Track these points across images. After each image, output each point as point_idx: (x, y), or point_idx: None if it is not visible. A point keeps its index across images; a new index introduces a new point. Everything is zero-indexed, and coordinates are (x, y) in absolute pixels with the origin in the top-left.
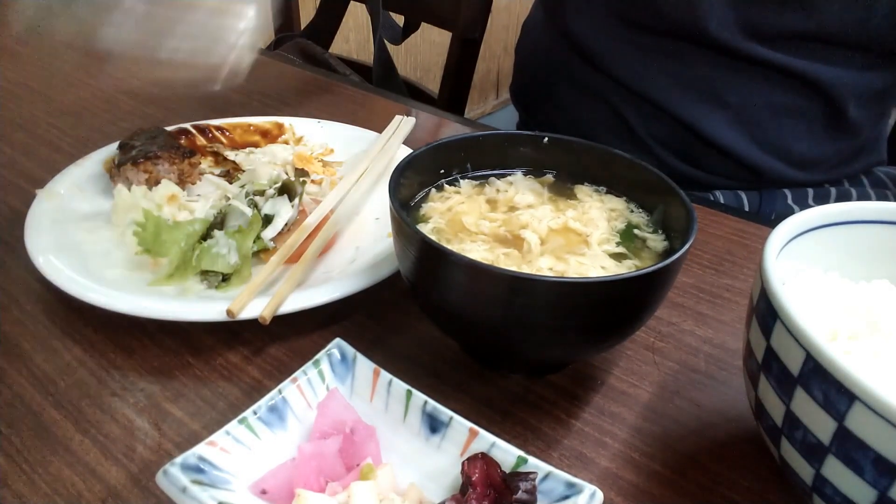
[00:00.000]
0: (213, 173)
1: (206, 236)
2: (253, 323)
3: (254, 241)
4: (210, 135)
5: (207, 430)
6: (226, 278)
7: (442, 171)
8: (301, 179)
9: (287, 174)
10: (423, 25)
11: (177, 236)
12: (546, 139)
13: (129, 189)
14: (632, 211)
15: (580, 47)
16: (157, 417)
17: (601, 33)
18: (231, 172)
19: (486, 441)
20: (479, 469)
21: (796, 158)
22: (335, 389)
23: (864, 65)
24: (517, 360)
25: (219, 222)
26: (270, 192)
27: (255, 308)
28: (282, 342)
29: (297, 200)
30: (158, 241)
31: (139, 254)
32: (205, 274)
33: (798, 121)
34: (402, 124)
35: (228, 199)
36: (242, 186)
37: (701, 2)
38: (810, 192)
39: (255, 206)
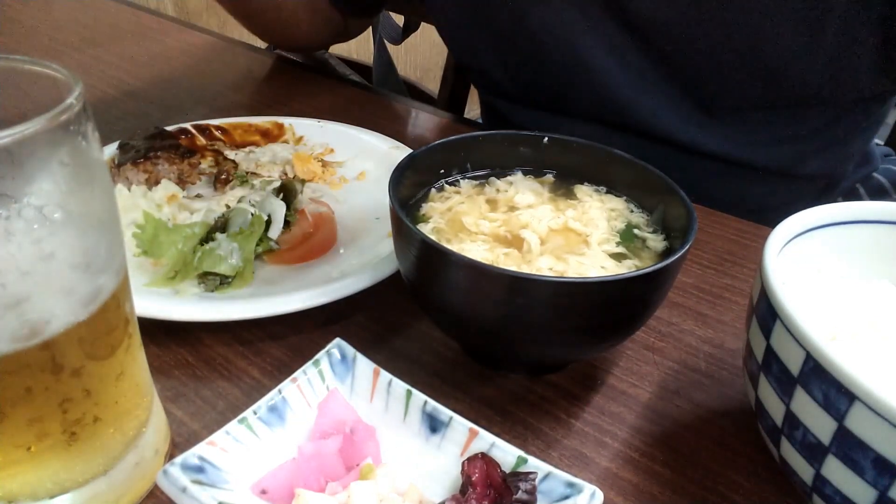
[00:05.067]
0: (211, 173)
1: (207, 239)
2: (253, 323)
3: (259, 243)
4: (210, 135)
5: (207, 430)
6: (223, 281)
7: (442, 171)
8: (301, 179)
9: (286, 174)
10: (423, 25)
11: (174, 238)
12: (546, 139)
13: (129, 189)
14: (632, 211)
15: (513, 123)
16: None
17: (530, 117)
18: (229, 172)
19: (486, 441)
20: (479, 469)
21: (764, 210)
22: (335, 389)
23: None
24: (517, 360)
25: (221, 225)
26: (269, 190)
27: (256, 308)
28: (282, 342)
29: (297, 200)
30: (156, 243)
31: (137, 255)
32: (203, 276)
33: (758, 185)
34: None
35: (228, 206)
36: (243, 181)
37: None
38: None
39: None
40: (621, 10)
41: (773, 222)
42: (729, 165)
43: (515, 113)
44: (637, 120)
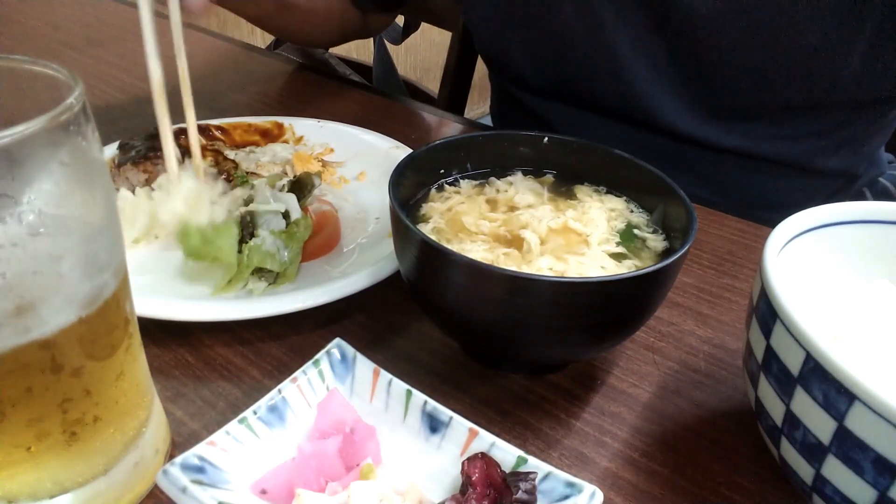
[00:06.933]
0: (211, 173)
1: (245, 235)
2: (253, 323)
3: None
4: (210, 135)
5: (207, 430)
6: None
7: (442, 171)
8: (318, 174)
9: (286, 174)
10: (423, 25)
11: (226, 235)
12: (546, 139)
13: (133, 192)
14: (632, 211)
15: (534, 114)
16: None
17: (551, 109)
18: (229, 172)
19: (486, 441)
20: (479, 469)
21: (781, 205)
22: (335, 389)
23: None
24: (517, 360)
25: (248, 221)
26: (280, 184)
27: (256, 308)
28: (282, 342)
29: (311, 197)
30: (211, 245)
31: (189, 260)
32: (258, 272)
33: (775, 178)
34: None
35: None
36: (243, 182)
37: (654, 94)
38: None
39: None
40: (653, 1)
41: (775, 221)
42: (747, 160)
43: (532, 100)
44: (657, 117)
